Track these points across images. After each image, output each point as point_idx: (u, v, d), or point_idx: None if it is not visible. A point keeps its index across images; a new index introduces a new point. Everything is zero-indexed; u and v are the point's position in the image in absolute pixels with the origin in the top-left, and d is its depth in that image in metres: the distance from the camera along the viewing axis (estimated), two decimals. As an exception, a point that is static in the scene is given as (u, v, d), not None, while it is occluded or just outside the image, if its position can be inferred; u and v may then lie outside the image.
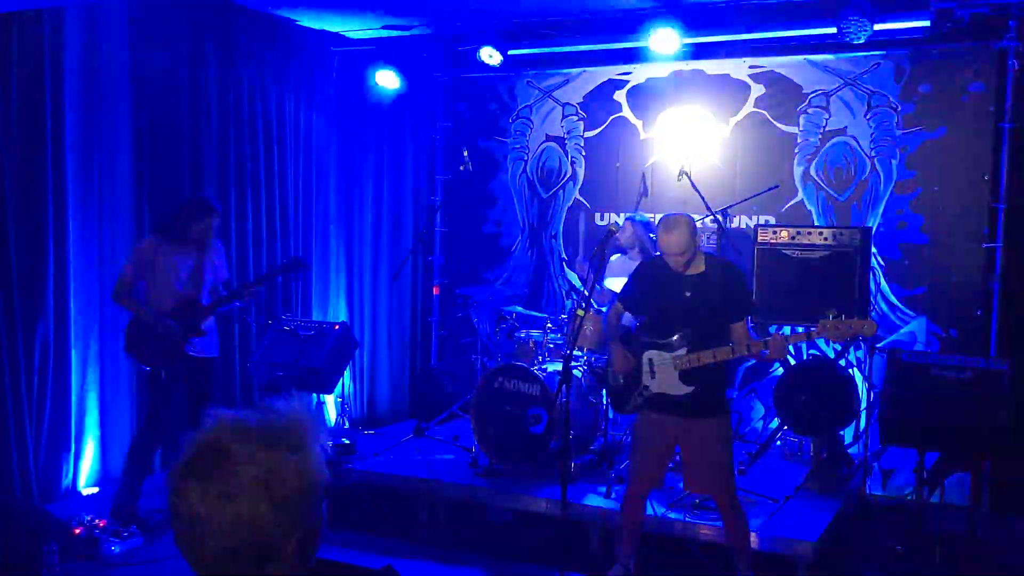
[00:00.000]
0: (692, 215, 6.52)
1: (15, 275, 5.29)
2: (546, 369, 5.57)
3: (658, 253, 6.05)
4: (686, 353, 4.13)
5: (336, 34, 7.14)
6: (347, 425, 7.08)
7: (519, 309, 6.35)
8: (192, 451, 1.35)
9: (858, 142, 6.40)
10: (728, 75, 6.79)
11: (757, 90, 6.71)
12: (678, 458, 4.74)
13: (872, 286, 6.13)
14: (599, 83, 7.28)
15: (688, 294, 4.18)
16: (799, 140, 6.58)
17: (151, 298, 5.23)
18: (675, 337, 4.17)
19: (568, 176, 7.47)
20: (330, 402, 6.96)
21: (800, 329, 6.35)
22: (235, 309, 5.75)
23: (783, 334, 4.36)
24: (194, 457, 1.35)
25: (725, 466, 4.25)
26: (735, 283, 4.25)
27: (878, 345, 5.70)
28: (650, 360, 4.24)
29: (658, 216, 6.94)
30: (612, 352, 4.50)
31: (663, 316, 4.26)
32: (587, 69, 7.29)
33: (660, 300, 4.28)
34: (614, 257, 6.07)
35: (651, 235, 6.11)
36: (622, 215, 6.62)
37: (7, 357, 5.23)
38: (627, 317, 4.67)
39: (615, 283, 6.02)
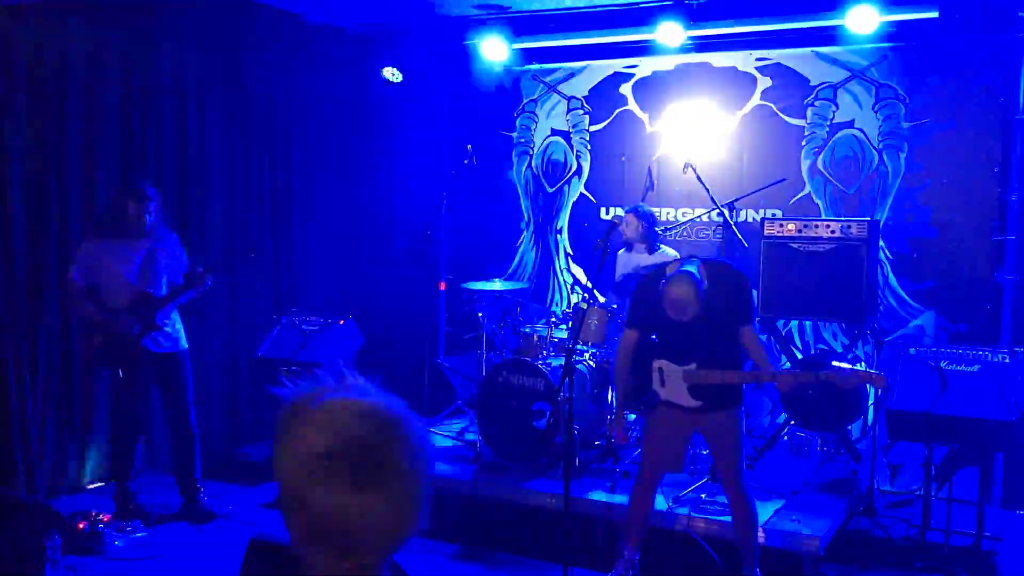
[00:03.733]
0: (698, 208, 6.44)
1: (20, 273, 5.30)
2: (551, 364, 5.54)
3: (658, 248, 5.99)
4: (696, 368, 4.08)
5: (341, 28, 7.12)
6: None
7: (524, 304, 6.32)
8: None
9: (866, 135, 6.34)
10: (735, 68, 6.74)
11: (764, 83, 6.66)
12: (689, 452, 4.68)
13: (880, 280, 6.08)
14: (604, 76, 7.24)
15: None
16: (806, 133, 6.53)
17: (104, 297, 5.08)
18: (685, 351, 4.11)
19: (573, 170, 7.44)
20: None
21: (807, 323, 6.39)
22: (194, 300, 5.38)
23: (792, 372, 4.31)
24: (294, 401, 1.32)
25: (735, 458, 4.21)
26: (737, 288, 4.12)
27: (886, 339, 5.65)
28: (660, 369, 4.19)
29: (663, 211, 6.94)
30: (615, 417, 4.48)
31: (670, 332, 4.15)
32: (592, 62, 7.24)
33: (664, 318, 4.07)
34: (620, 251, 6.03)
35: (656, 228, 6.08)
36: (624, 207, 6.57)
37: (12, 354, 5.24)
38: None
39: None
